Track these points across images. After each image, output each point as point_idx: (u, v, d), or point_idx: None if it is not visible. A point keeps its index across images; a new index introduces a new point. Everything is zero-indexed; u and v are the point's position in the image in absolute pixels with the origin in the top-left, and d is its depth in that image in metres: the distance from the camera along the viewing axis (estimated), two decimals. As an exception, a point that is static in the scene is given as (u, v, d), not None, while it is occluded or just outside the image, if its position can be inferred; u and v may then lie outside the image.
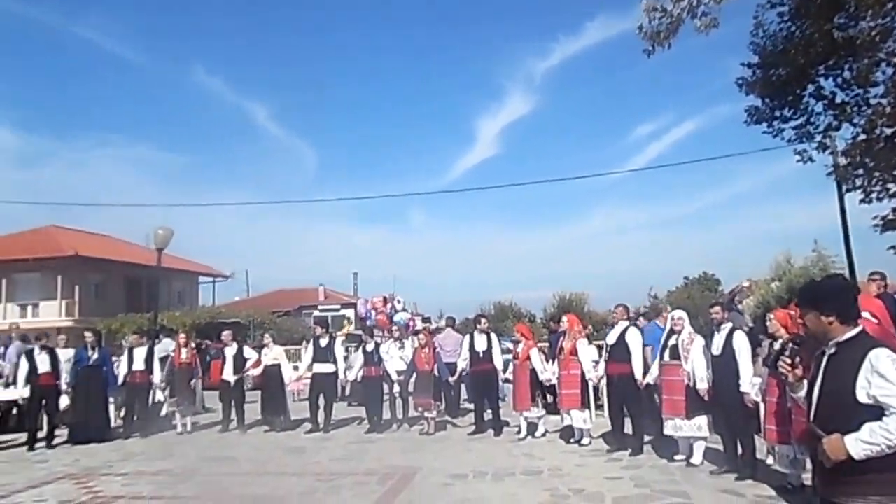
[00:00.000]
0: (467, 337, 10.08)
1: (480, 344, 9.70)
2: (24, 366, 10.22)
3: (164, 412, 11.55)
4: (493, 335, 9.96)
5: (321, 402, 10.50)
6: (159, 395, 11.45)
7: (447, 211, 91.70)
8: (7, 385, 10.81)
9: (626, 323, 8.08)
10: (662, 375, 7.33)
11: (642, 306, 15.95)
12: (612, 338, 8.06)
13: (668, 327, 7.50)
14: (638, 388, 7.73)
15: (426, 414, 9.84)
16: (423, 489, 6.51)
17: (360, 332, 15.11)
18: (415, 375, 9.95)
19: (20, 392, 10.28)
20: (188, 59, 67.48)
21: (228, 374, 10.98)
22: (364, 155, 75.91)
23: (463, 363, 9.87)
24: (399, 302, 21.01)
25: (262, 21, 67.89)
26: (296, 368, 11.95)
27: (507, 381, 9.96)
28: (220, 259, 56.34)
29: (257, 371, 11.14)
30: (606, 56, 71.18)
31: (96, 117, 64.45)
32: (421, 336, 10.45)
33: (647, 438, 7.93)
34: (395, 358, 10.48)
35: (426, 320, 19.70)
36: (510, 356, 9.83)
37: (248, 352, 11.39)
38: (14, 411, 11.36)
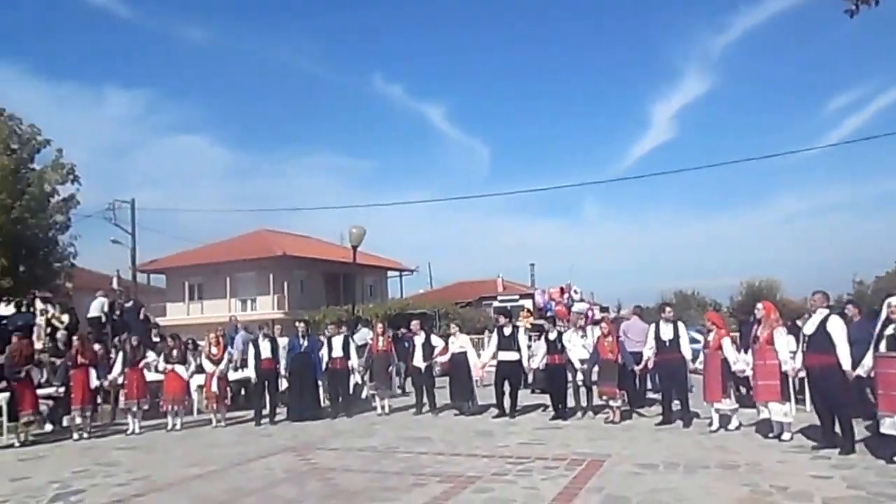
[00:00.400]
0: (652, 325, 9.84)
1: (666, 333, 9.42)
2: (250, 352, 11.85)
3: (364, 395, 12.67)
4: (679, 323, 9.61)
5: (506, 388, 10.84)
6: (358, 379, 12.57)
7: (622, 199, 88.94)
8: (236, 369, 12.52)
9: (826, 311, 7.36)
10: (877, 368, 6.61)
11: (846, 294, 14.36)
12: (810, 327, 7.41)
13: (883, 315, 6.76)
14: (844, 381, 7.04)
15: (611, 402, 9.78)
16: (613, 477, 6.50)
17: (541, 321, 15.27)
18: (598, 364, 9.94)
19: (248, 373, 11.89)
20: (369, 71, 72.40)
21: (418, 361, 11.74)
22: (537, 148, 76.09)
23: (649, 352, 9.66)
24: (576, 292, 20.88)
25: (433, 24, 70.71)
26: (479, 356, 12.43)
27: (694, 371, 9.57)
28: (405, 254, 59.79)
29: (445, 358, 11.76)
30: (793, 25, 64.51)
31: (291, 131, 71.88)
32: (603, 325, 10.39)
33: (860, 437, 7.22)
34: (577, 346, 10.51)
35: (604, 310, 19.40)
36: (697, 346, 9.44)
37: (436, 340, 12.07)
38: (242, 392, 13.17)
